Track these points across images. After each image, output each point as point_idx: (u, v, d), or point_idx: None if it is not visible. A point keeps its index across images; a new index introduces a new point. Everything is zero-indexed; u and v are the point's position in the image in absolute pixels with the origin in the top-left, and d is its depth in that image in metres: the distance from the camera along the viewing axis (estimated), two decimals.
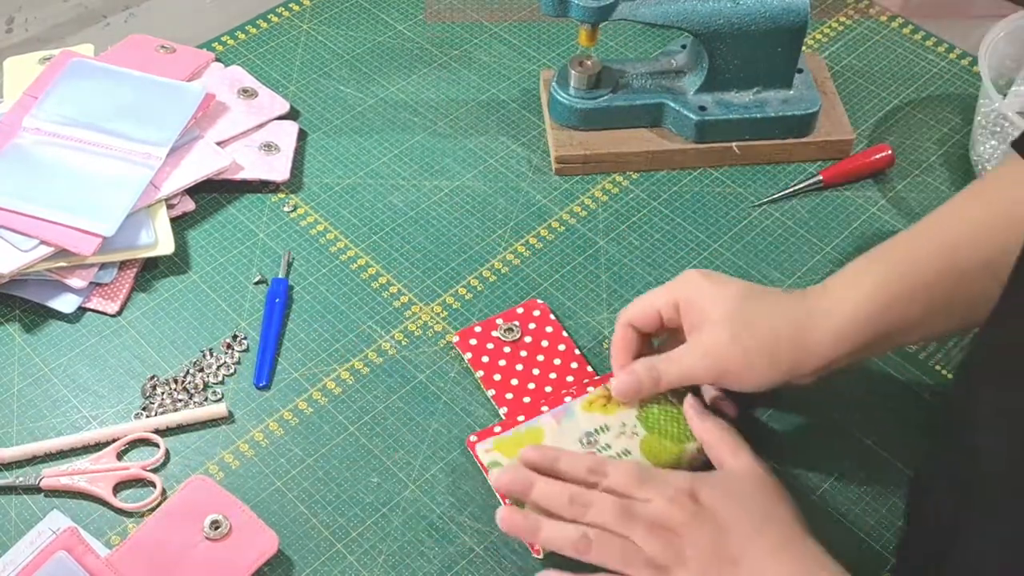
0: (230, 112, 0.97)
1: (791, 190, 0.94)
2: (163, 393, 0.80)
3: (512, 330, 0.82)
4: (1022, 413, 0.55)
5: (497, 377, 0.80)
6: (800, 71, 0.96)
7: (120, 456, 0.76)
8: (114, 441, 0.77)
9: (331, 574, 0.71)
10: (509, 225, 0.91)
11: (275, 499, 0.74)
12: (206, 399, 0.80)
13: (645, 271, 0.88)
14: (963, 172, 0.95)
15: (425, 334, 0.84)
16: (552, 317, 0.84)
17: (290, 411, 0.79)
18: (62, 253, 0.84)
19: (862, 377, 0.81)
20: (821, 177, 0.94)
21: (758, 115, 0.94)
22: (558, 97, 0.95)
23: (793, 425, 0.78)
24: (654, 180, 0.95)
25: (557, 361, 0.81)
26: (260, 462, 0.76)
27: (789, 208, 0.93)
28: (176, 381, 0.80)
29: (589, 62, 0.94)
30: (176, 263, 0.89)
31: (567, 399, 0.77)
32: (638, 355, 0.75)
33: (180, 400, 0.79)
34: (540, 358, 0.81)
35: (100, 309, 0.85)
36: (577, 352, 0.81)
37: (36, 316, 0.85)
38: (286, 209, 0.93)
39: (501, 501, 0.71)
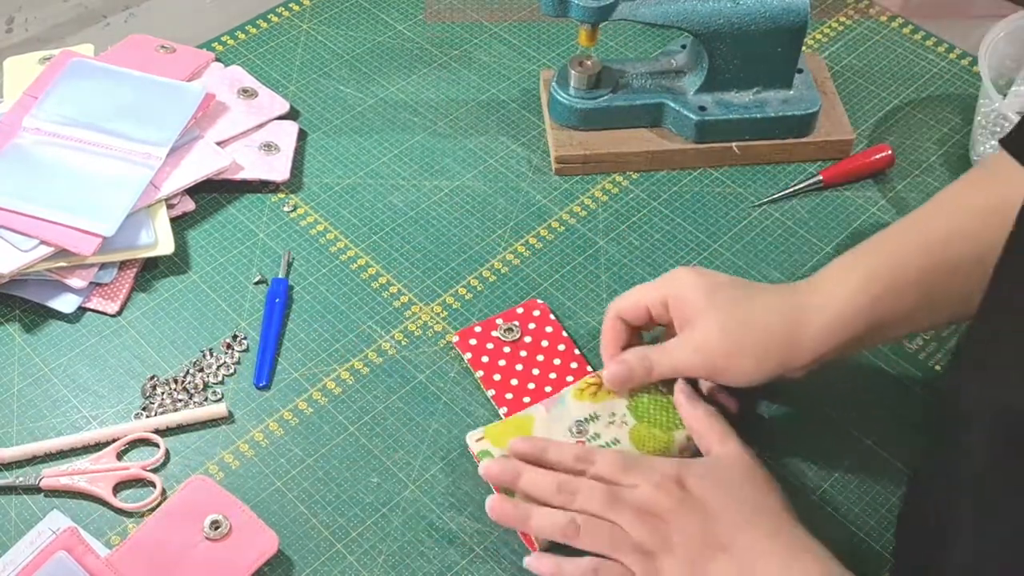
0: (230, 112, 0.97)
1: (791, 190, 0.94)
2: (163, 393, 0.80)
3: (512, 330, 0.82)
4: (1005, 408, 0.55)
5: (497, 377, 0.80)
6: (800, 71, 0.96)
7: (120, 456, 0.76)
8: (114, 441, 0.77)
9: (331, 574, 0.71)
10: (509, 225, 0.91)
11: (275, 499, 0.74)
12: (206, 399, 0.80)
13: (645, 271, 0.88)
14: (963, 172, 0.95)
15: (425, 334, 0.84)
16: (552, 317, 0.84)
17: (290, 411, 0.79)
18: (62, 253, 0.84)
19: (861, 377, 0.81)
20: (821, 177, 0.94)
21: (758, 115, 0.94)
22: (558, 97, 0.95)
23: (793, 425, 0.78)
24: (654, 180, 0.95)
25: (557, 361, 0.81)
26: (260, 462, 0.76)
27: (789, 208, 0.93)
28: (176, 381, 0.80)
29: (589, 62, 0.94)
30: (176, 263, 0.89)
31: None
32: (627, 347, 0.76)
33: (180, 400, 0.79)
34: (540, 358, 0.81)
35: (100, 309, 0.85)
36: (577, 352, 0.82)
37: (36, 316, 0.85)
38: (286, 209, 0.93)
39: (494, 491, 0.71)
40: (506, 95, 1.02)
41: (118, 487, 0.75)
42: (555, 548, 0.69)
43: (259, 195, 0.94)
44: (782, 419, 0.79)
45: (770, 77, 0.94)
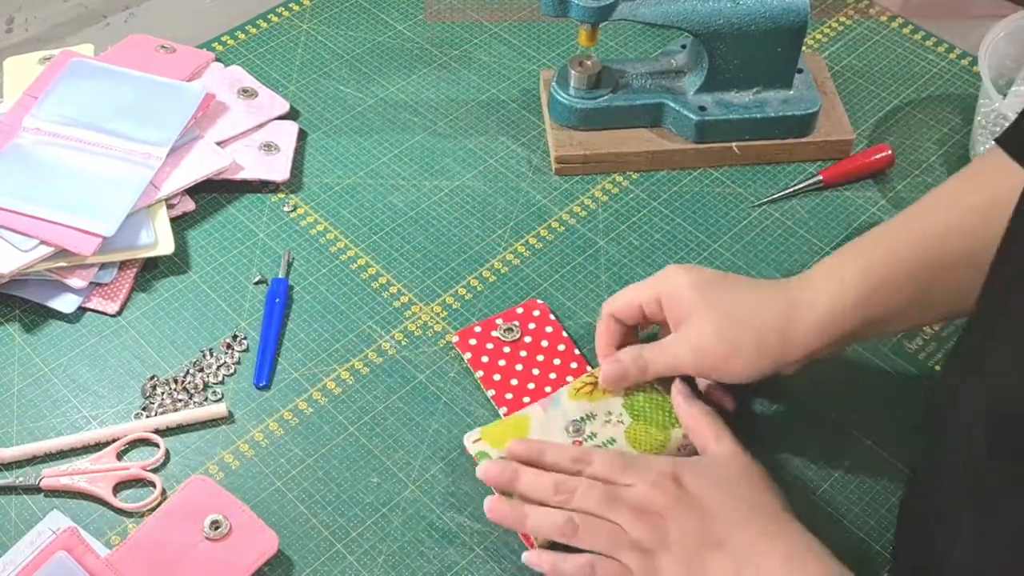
0: (230, 112, 0.97)
1: (791, 190, 0.94)
2: (163, 393, 0.80)
3: (512, 330, 0.82)
4: (999, 408, 0.55)
5: (497, 377, 0.80)
6: (800, 71, 0.96)
7: (120, 456, 0.76)
8: (114, 441, 0.77)
9: (331, 574, 0.71)
10: (509, 225, 0.91)
11: (275, 499, 0.74)
12: (206, 399, 0.80)
13: (645, 271, 0.88)
14: None
15: (425, 334, 0.84)
16: (552, 317, 0.84)
17: (290, 411, 0.79)
18: (62, 253, 0.84)
19: (861, 377, 0.81)
20: (821, 177, 0.94)
21: (758, 115, 0.94)
22: (558, 97, 0.95)
23: (793, 425, 0.78)
24: (654, 180, 0.95)
25: (557, 361, 0.81)
26: (260, 462, 0.76)
27: (789, 208, 0.93)
28: (176, 381, 0.80)
29: (589, 62, 0.94)
30: (176, 263, 0.89)
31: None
32: (622, 345, 0.76)
33: (180, 400, 0.79)
34: (540, 358, 0.81)
35: (100, 309, 0.85)
36: (577, 352, 0.82)
37: (36, 316, 0.85)
38: (286, 209, 0.93)
39: (493, 492, 0.72)
40: (506, 95, 1.02)
41: (118, 487, 0.75)
42: (554, 548, 0.69)
43: (259, 195, 0.94)
44: (782, 419, 0.79)
45: (770, 77, 0.94)
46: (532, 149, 0.97)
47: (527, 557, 0.68)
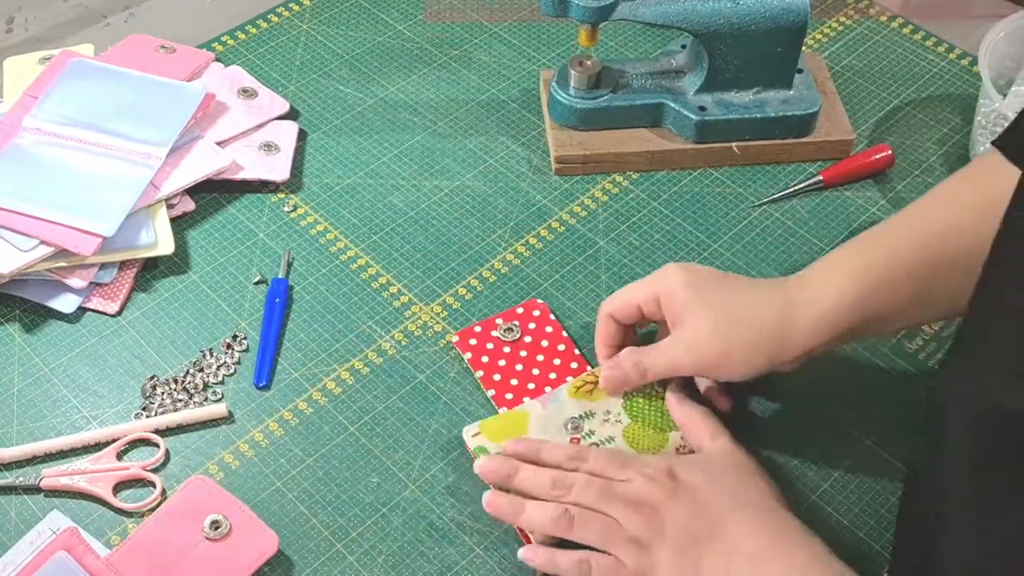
0: (230, 112, 0.97)
1: (791, 190, 0.94)
2: (163, 393, 0.80)
3: (512, 330, 0.82)
4: (993, 407, 0.55)
5: (497, 377, 0.80)
6: (800, 71, 0.96)
7: (120, 456, 0.76)
8: (114, 441, 0.77)
9: (331, 574, 0.71)
10: (509, 225, 0.91)
11: (275, 499, 0.74)
12: (206, 399, 0.80)
13: (645, 271, 0.88)
14: None
15: (425, 334, 0.84)
16: (552, 317, 0.84)
17: (290, 411, 0.79)
18: (62, 253, 0.84)
19: (861, 377, 0.81)
20: (821, 177, 0.94)
21: (758, 115, 0.94)
22: (558, 97, 0.95)
23: (793, 425, 0.78)
24: (654, 180, 0.95)
25: (557, 361, 0.81)
26: (260, 462, 0.76)
27: (789, 208, 0.93)
28: (176, 381, 0.80)
29: (589, 62, 0.94)
30: (176, 263, 0.89)
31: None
32: (621, 345, 0.77)
33: (180, 400, 0.79)
34: (540, 358, 0.81)
35: (100, 309, 0.85)
36: (577, 352, 0.82)
37: (36, 316, 0.85)
38: (286, 209, 0.93)
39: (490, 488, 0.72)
40: (506, 95, 1.02)
41: (118, 487, 0.75)
42: (560, 545, 0.70)
43: (259, 195, 0.94)
44: (782, 419, 0.79)
45: (770, 77, 0.94)
46: (532, 149, 0.97)
47: (523, 553, 0.69)
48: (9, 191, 0.86)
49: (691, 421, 0.73)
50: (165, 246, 0.87)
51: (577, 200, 0.93)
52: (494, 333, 0.82)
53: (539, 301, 0.85)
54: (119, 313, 0.85)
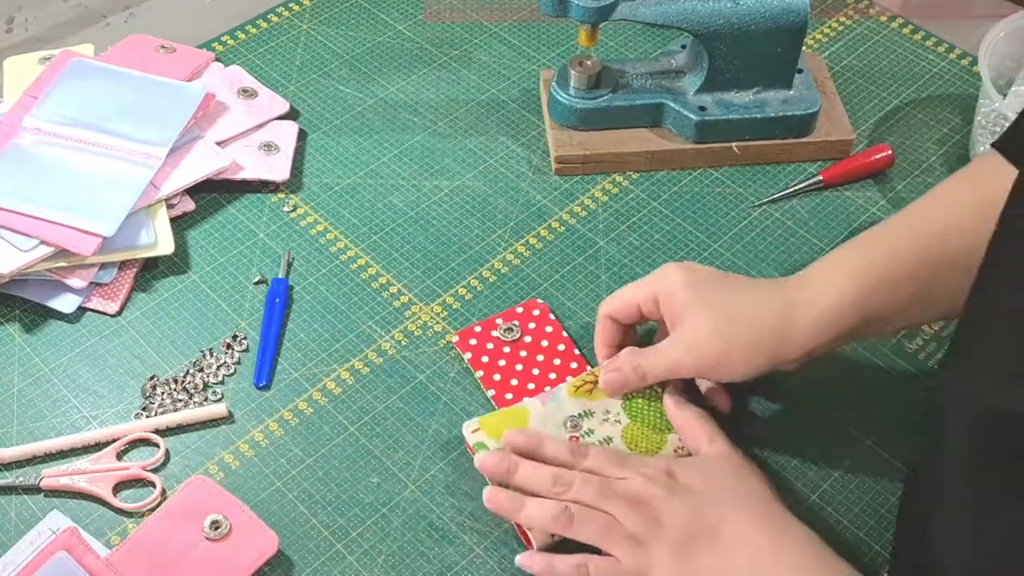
0: (230, 112, 0.97)
1: (791, 190, 0.94)
2: (163, 393, 0.80)
3: (512, 330, 0.82)
4: (990, 408, 0.55)
5: (497, 377, 0.80)
6: (800, 71, 0.96)
7: (120, 456, 0.76)
8: (114, 441, 0.77)
9: (331, 574, 0.71)
10: (509, 225, 0.91)
11: (275, 499, 0.74)
12: (206, 399, 0.80)
13: (645, 271, 0.87)
14: None
15: (425, 334, 0.84)
16: (552, 317, 0.84)
17: (290, 411, 0.79)
18: (62, 253, 0.84)
19: (861, 377, 0.81)
20: (821, 177, 0.94)
21: (758, 115, 0.94)
22: (558, 97, 0.95)
23: (793, 425, 0.78)
24: (654, 180, 0.95)
25: (557, 361, 0.81)
26: (260, 462, 0.76)
27: (789, 208, 0.93)
28: (176, 381, 0.80)
29: (589, 62, 0.94)
30: (176, 263, 0.89)
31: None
32: (621, 345, 0.77)
33: (180, 400, 0.79)
34: (540, 358, 0.81)
35: (100, 309, 0.85)
36: (577, 352, 0.82)
37: (36, 316, 0.85)
38: (286, 209, 0.93)
39: (490, 483, 0.72)
40: (506, 95, 1.02)
41: (118, 487, 0.75)
42: (551, 550, 0.70)
43: (259, 195, 0.94)
44: (783, 419, 0.79)
45: (770, 77, 0.94)
46: (532, 149, 0.97)
47: (520, 559, 0.69)
48: (9, 191, 0.86)
49: (688, 424, 0.74)
50: (165, 246, 0.87)
51: (577, 200, 0.93)
52: (494, 333, 0.82)
53: (539, 301, 0.85)
54: (119, 313, 0.85)
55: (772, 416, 0.79)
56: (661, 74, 0.96)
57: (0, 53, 1.03)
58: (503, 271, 0.88)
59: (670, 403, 0.75)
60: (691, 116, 0.93)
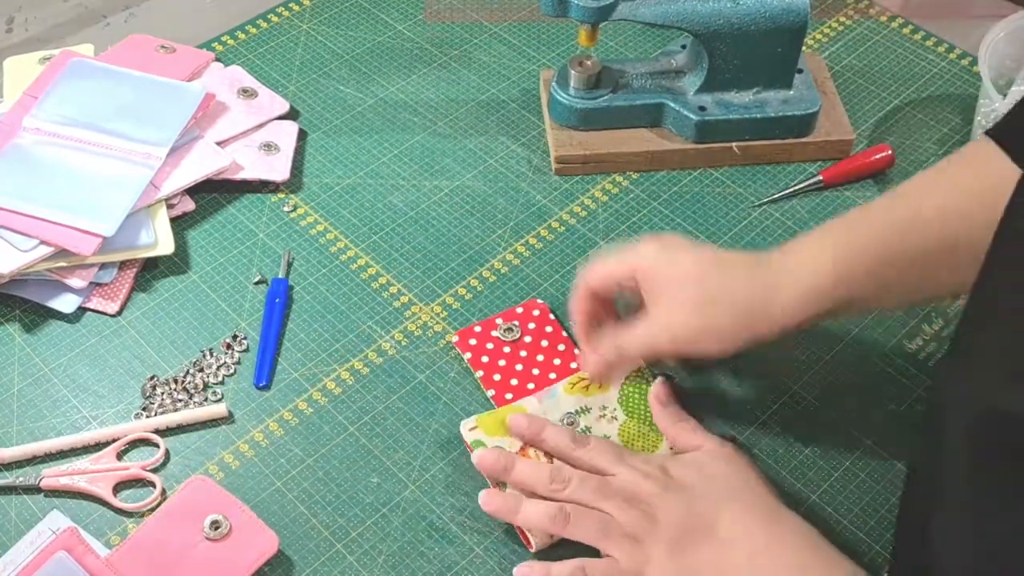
0: (230, 112, 0.97)
1: (791, 190, 0.94)
2: (163, 393, 0.80)
3: (512, 330, 0.82)
4: (989, 408, 0.55)
5: (497, 377, 0.80)
6: (800, 71, 0.96)
7: (120, 456, 0.76)
8: (114, 441, 0.77)
9: (331, 574, 0.71)
10: (509, 225, 0.91)
11: (275, 499, 0.74)
12: (206, 399, 0.80)
13: None
14: None
15: (425, 334, 0.84)
16: (552, 317, 0.84)
17: (290, 411, 0.79)
18: (62, 253, 0.84)
19: (861, 377, 0.81)
20: (821, 177, 0.94)
21: (758, 115, 0.94)
22: (558, 97, 0.95)
23: (793, 425, 0.78)
24: (654, 180, 0.95)
25: (557, 361, 0.81)
26: (260, 462, 0.76)
27: (789, 208, 0.93)
28: (176, 381, 0.80)
29: (589, 62, 0.94)
30: (176, 263, 0.89)
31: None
32: (598, 316, 0.77)
33: (180, 400, 0.79)
34: (540, 358, 0.81)
35: (100, 309, 0.85)
36: (577, 352, 0.81)
37: (36, 316, 0.85)
38: (286, 209, 0.93)
39: (490, 485, 0.73)
40: (506, 95, 1.02)
41: (118, 487, 0.75)
42: (549, 555, 0.70)
43: (259, 195, 0.94)
44: (783, 419, 0.79)
45: (770, 77, 0.94)
46: (532, 149, 0.97)
47: (518, 571, 0.69)
48: (9, 191, 0.86)
49: (676, 427, 0.74)
50: (165, 246, 0.87)
51: (577, 200, 0.93)
52: (494, 333, 0.82)
53: (539, 301, 0.85)
54: (119, 313, 0.85)
55: (772, 416, 0.79)
56: (661, 74, 0.96)
57: (0, 53, 1.03)
58: (503, 271, 0.88)
59: (656, 406, 0.76)
60: (691, 116, 0.93)
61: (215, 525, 0.71)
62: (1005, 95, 0.94)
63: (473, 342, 0.82)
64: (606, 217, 0.92)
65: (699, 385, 0.80)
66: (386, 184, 0.95)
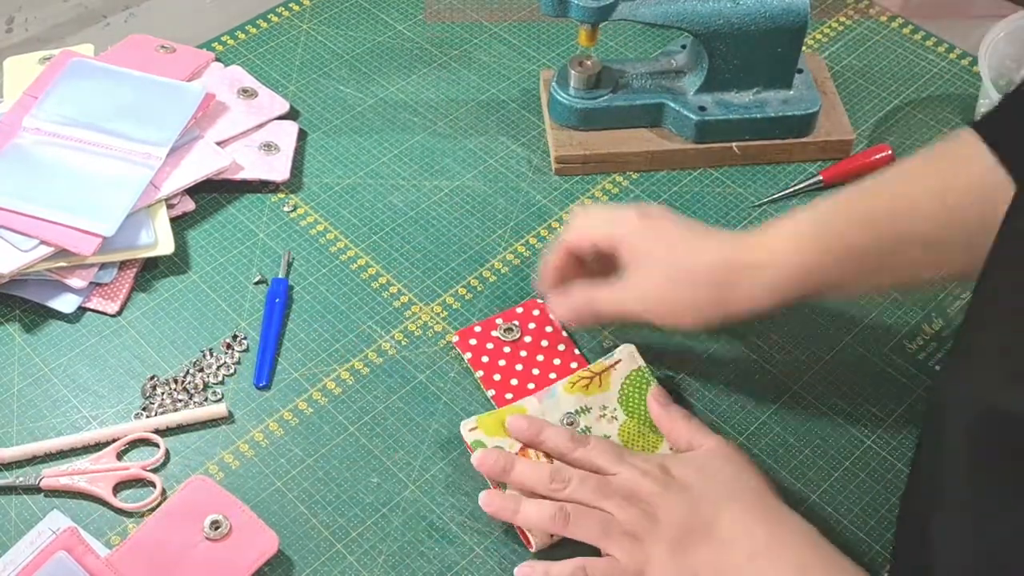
0: (230, 112, 0.97)
1: (791, 190, 0.94)
2: (163, 393, 0.80)
3: (512, 330, 0.82)
4: (989, 408, 0.55)
5: (497, 377, 0.80)
6: (800, 71, 0.96)
7: (120, 456, 0.76)
8: (114, 441, 0.77)
9: (331, 574, 0.71)
10: (509, 225, 0.91)
11: (275, 499, 0.74)
12: (206, 399, 0.80)
13: None
14: None
15: (425, 334, 0.84)
16: (552, 317, 0.84)
17: (290, 411, 0.79)
18: (62, 253, 0.84)
19: (861, 377, 0.81)
20: (821, 177, 0.94)
21: (758, 115, 0.94)
22: (558, 97, 0.95)
23: (793, 425, 0.78)
24: (654, 180, 0.95)
25: (557, 361, 0.81)
26: (260, 462, 0.76)
27: (789, 208, 0.93)
28: (176, 381, 0.80)
29: (589, 62, 0.94)
30: (176, 263, 0.89)
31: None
32: (568, 273, 0.79)
33: (180, 400, 0.79)
34: (540, 358, 0.81)
35: (100, 309, 0.85)
36: (577, 352, 0.82)
37: (36, 316, 0.85)
38: (286, 209, 0.93)
39: (490, 486, 0.73)
40: (506, 95, 1.02)
41: (118, 487, 0.75)
42: (549, 555, 0.70)
43: (259, 195, 0.94)
44: (783, 419, 0.79)
45: (770, 77, 0.94)
46: (532, 149, 0.97)
47: (519, 571, 0.69)
48: (9, 191, 0.86)
49: (675, 425, 0.74)
50: (165, 246, 0.87)
51: (577, 200, 0.93)
52: (494, 333, 0.82)
53: (539, 301, 0.85)
54: (119, 313, 0.85)
55: (772, 415, 0.79)
56: (661, 74, 0.96)
57: (0, 53, 1.03)
58: (503, 271, 0.88)
59: (654, 406, 0.76)
60: (691, 116, 0.93)
61: (215, 525, 0.71)
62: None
63: (473, 342, 0.82)
64: None
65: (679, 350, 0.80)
66: (386, 184, 0.95)
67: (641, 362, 0.78)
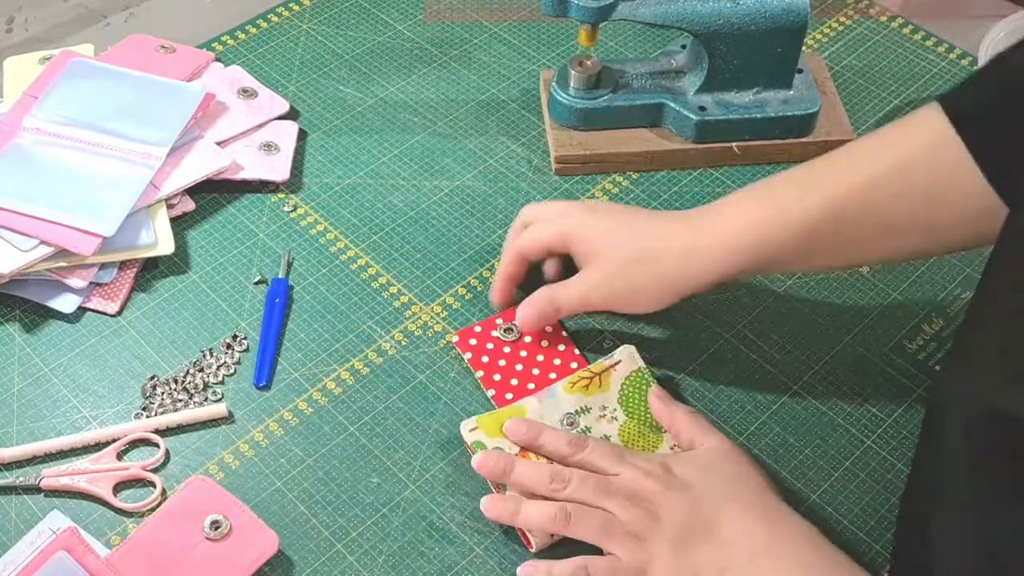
0: (230, 112, 0.97)
1: None
2: (163, 393, 0.80)
3: (512, 330, 0.82)
4: (989, 409, 0.55)
5: (497, 377, 0.80)
6: (800, 71, 0.96)
7: (120, 456, 0.76)
8: (114, 441, 0.77)
9: (331, 574, 0.71)
10: (509, 225, 0.91)
11: (275, 499, 0.74)
12: (206, 399, 0.80)
13: None
14: None
15: (425, 334, 0.84)
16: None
17: (290, 411, 0.79)
18: (62, 253, 0.84)
19: (861, 376, 0.81)
20: None
21: (758, 115, 0.94)
22: (558, 97, 0.95)
23: (793, 425, 0.78)
24: (654, 180, 0.95)
25: (557, 361, 0.81)
26: (260, 462, 0.76)
27: None
28: (176, 381, 0.80)
29: (589, 62, 0.94)
30: (176, 263, 0.89)
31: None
32: (520, 280, 0.83)
33: (180, 400, 0.79)
34: (540, 358, 0.81)
35: (100, 309, 0.85)
36: (577, 352, 0.82)
37: (36, 316, 0.85)
38: (286, 209, 0.93)
39: (492, 488, 0.73)
40: (506, 95, 1.02)
41: (118, 487, 0.75)
42: (550, 554, 0.70)
43: (259, 195, 0.94)
44: (783, 419, 0.79)
45: (770, 77, 0.94)
46: (532, 149, 0.97)
47: (521, 571, 0.69)
48: (9, 191, 0.86)
49: (678, 422, 0.74)
50: (165, 246, 0.87)
51: (577, 200, 0.93)
52: (494, 333, 0.82)
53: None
54: (119, 313, 0.85)
55: (772, 415, 0.79)
56: (661, 74, 0.96)
57: (0, 53, 1.03)
58: None
59: (657, 404, 0.76)
60: (691, 116, 0.93)
61: (215, 525, 0.71)
62: None
63: (473, 342, 0.82)
64: None
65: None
66: (386, 184, 0.95)
67: (641, 363, 0.78)
